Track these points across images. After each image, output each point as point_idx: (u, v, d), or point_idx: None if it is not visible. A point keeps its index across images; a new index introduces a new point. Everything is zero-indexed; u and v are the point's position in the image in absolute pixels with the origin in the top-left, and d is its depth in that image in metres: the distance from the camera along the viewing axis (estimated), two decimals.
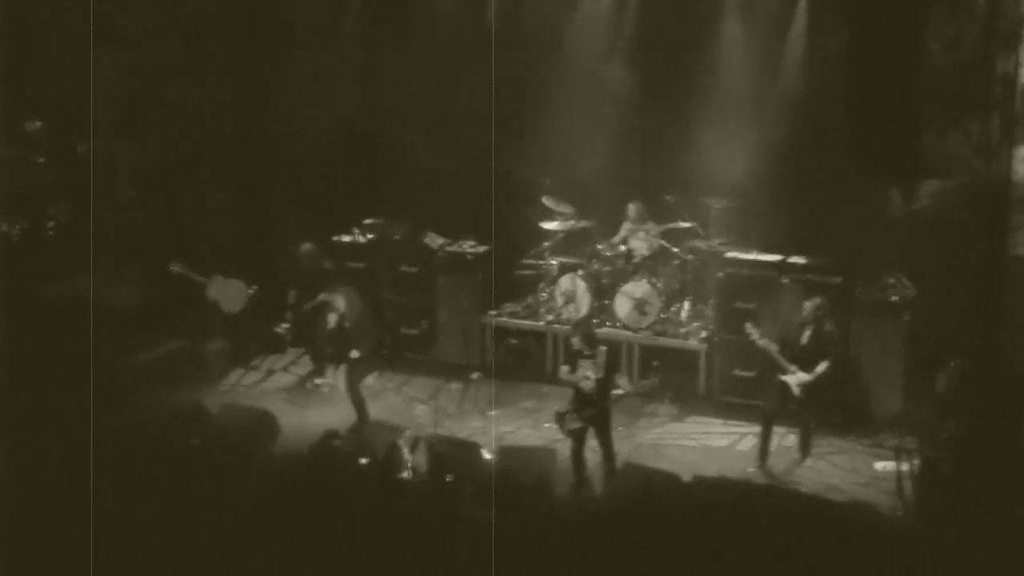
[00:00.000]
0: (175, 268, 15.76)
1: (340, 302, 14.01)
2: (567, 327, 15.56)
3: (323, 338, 14.50)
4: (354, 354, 13.99)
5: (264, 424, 12.81)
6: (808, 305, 13.39)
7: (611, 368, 12.74)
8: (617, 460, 12.73)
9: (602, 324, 15.53)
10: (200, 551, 8.92)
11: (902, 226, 14.85)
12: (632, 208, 15.89)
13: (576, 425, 12.66)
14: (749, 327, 13.57)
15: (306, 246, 15.45)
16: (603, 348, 12.74)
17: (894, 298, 14.49)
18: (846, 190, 14.80)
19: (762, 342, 13.33)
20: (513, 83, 16.30)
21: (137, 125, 16.57)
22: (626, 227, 15.99)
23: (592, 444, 12.80)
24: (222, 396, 14.97)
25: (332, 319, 14.03)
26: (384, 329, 16.13)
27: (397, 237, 16.75)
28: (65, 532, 9.25)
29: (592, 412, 12.61)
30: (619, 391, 12.72)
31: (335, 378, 14.55)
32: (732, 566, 8.74)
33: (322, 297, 14.51)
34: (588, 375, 12.58)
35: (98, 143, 16.43)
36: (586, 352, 12.65)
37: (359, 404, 14.03)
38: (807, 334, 13.30)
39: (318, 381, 15.21)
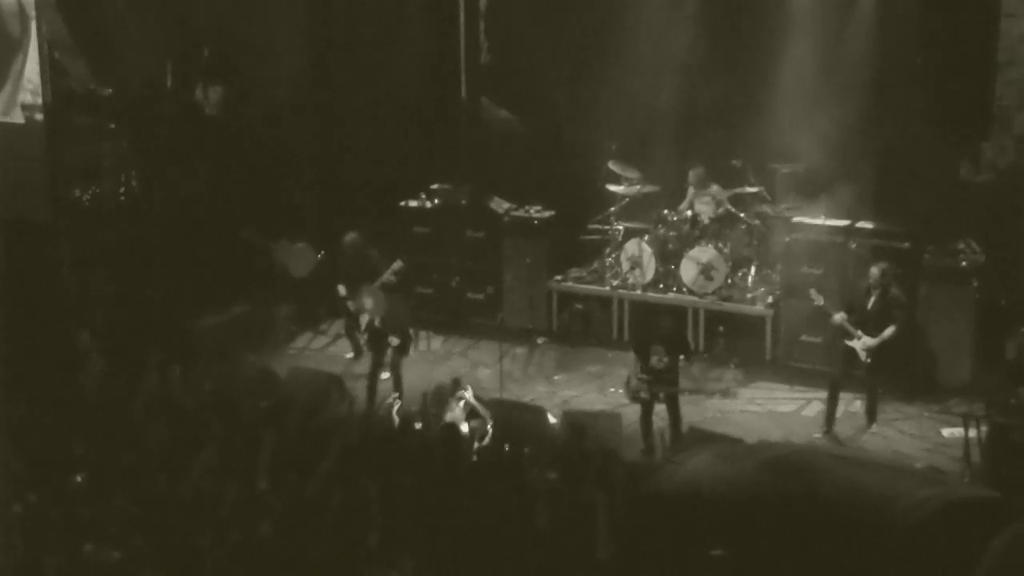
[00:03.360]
0: (244, 233, 15.94)
1: (368, 303, 14.19)
2: (632, 292, 15.69)
3: (360, 332, 14.77)
4: (394, 342, 14.19)
5: (332, 388, 12.99)
6: (874, 270, 13.34)
7: (681, 352, 13.13)
8: (682, 425, 12.87)
9: (668, 289, 15.59)
10: (269, 513, 9.06)
11: (972, 191, 14.67)
12: (693, 173, 15.81)
13: (645, 396, 12.95)
14: (813, 293, 13.61)
15: (349, 235, 14.90)
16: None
17: (963, 264, 14.35)
18: (915, 154, 14.63)
19: (832, 311, 13.33)
20: (582, 46, 16.25)
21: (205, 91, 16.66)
22: (692, 191, 15.92)
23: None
24: (290, 360, 15.15)
25: (363, 320, 14.32)
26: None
27: (463, 202, 16.79)
28: (139, 493, 9.44)
29: (661, 389, 12.94)
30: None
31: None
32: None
33: (352, 305, 14.63)
34: (662, 358, 12.85)
35: (169, 110, 16.59)
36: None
37: (398, 381, 14.22)
38: (873, 299, 13.26)
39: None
